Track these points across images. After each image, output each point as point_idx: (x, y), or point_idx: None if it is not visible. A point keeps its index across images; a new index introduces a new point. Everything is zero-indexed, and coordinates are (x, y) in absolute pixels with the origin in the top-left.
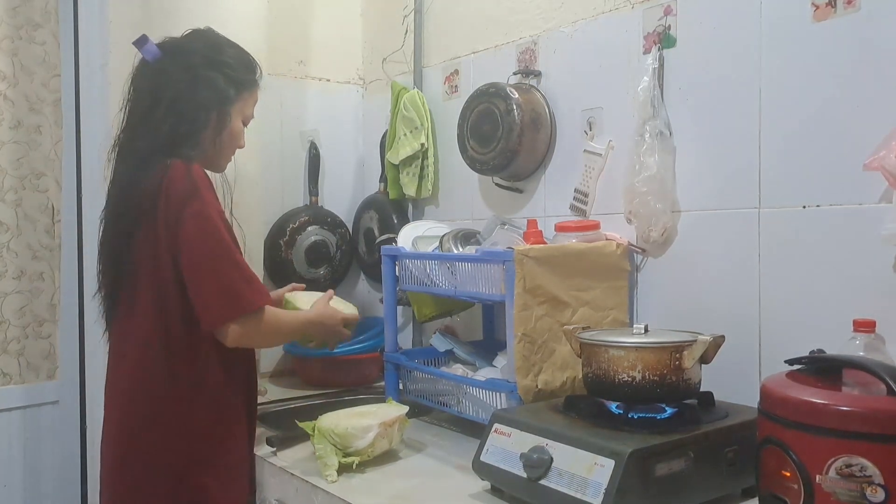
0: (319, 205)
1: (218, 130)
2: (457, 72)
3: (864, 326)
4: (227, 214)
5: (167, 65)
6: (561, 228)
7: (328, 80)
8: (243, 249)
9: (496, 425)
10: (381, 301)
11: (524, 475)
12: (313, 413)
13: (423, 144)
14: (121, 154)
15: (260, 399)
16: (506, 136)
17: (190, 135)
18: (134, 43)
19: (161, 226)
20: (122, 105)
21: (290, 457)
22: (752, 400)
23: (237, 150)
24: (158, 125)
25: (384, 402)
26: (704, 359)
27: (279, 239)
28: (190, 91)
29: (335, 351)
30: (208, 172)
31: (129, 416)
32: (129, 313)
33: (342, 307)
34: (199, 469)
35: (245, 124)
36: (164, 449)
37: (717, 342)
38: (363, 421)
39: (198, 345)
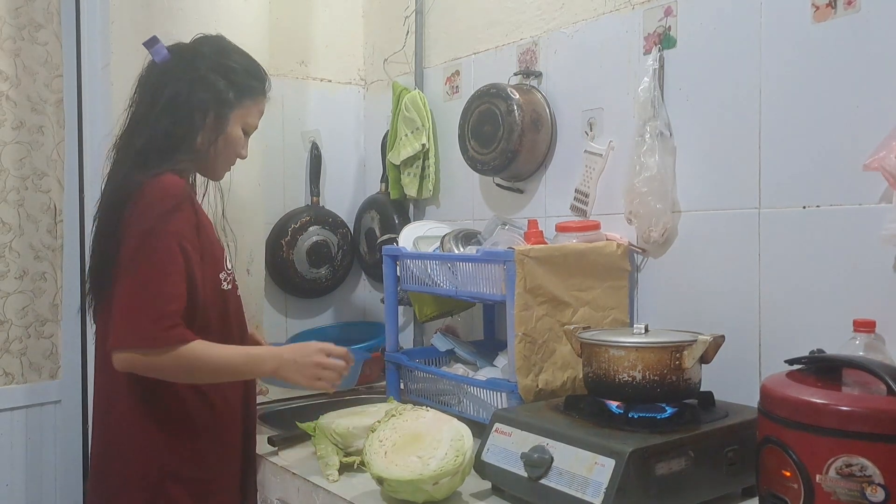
0: (321, 205)
1: (214, 134)
2: (458, 72)
3: (864, 326)
4: (218, 221)
5: (171, 66)
6: (561, 228)
7: (330, 81)
8: (234, 255)
9: (497, 425)
10: (382, 301)
11: (525, 474)
12: (314, 413)
13: (424, 145)
14: (119, 153)
15: (261, 399)
16: (506, 136)
17: (185, 137)
18: (144, 43)
19: (122, 234)
20: (127, 106)
21: (291, 456)
22: (752, 400)
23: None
24: (155, 125)
25: (385, 401)
26: (704, 359)
27: (281, 239)
28: (188, 92)
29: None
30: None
31: (105, 426)
32: (105, 319)
33: None
34: (172, 481)
35: (247, 134)
36: (137, 461)
37: (717, 342)
38: (364, 420)
39: None
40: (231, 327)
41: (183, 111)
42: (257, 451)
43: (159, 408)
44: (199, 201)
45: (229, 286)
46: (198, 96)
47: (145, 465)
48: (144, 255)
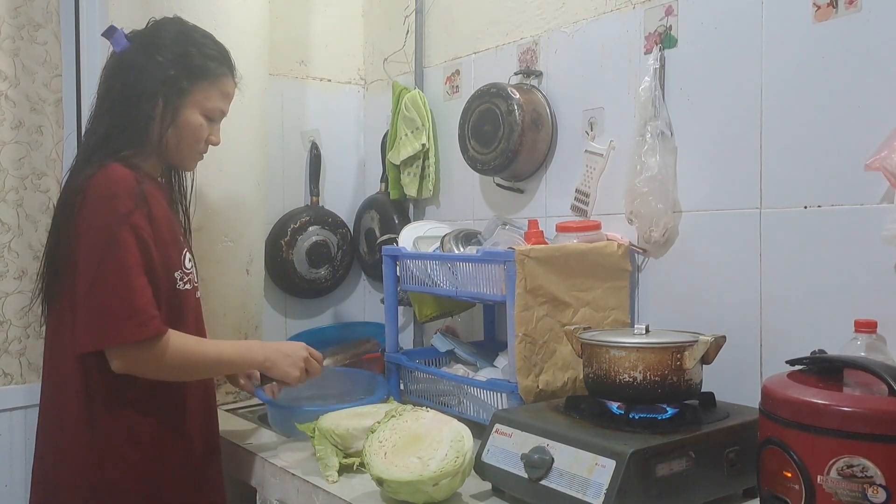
0: (320, 205)
1: (167, 123)
2: (458, 72)
3: (866, 327)
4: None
5: (127, 55)
6: (562, 229)
7: (329, 81)
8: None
9: (497, 426)
10: (382, 301)
11: (525, 475)
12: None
13: (424, 145)
14: (78, 150)
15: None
16: (507, 136)
17: (132, 127)
18: (103, 34)
19: (75, 231)
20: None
21: (290, 457)
22: (754, 400)
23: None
24: (103, 118)
25: (385, 402)
26: (705, 359)
27: (280, 239)
28: (135, 81)
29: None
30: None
31: (50, 434)
32: (56, 323)
33: None
34: (111, 493)
35: (211, 119)
36: (79, 471)
37: (719, 342)
38: (364, 421)
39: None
40: (188, 331)
41: (131, 101)
42: (256, 452)
43: (108, 418)
44: (188, 200)
45: (187, 286)
46: (145, 85)
47: (86, 476)
48: (107, 250)
